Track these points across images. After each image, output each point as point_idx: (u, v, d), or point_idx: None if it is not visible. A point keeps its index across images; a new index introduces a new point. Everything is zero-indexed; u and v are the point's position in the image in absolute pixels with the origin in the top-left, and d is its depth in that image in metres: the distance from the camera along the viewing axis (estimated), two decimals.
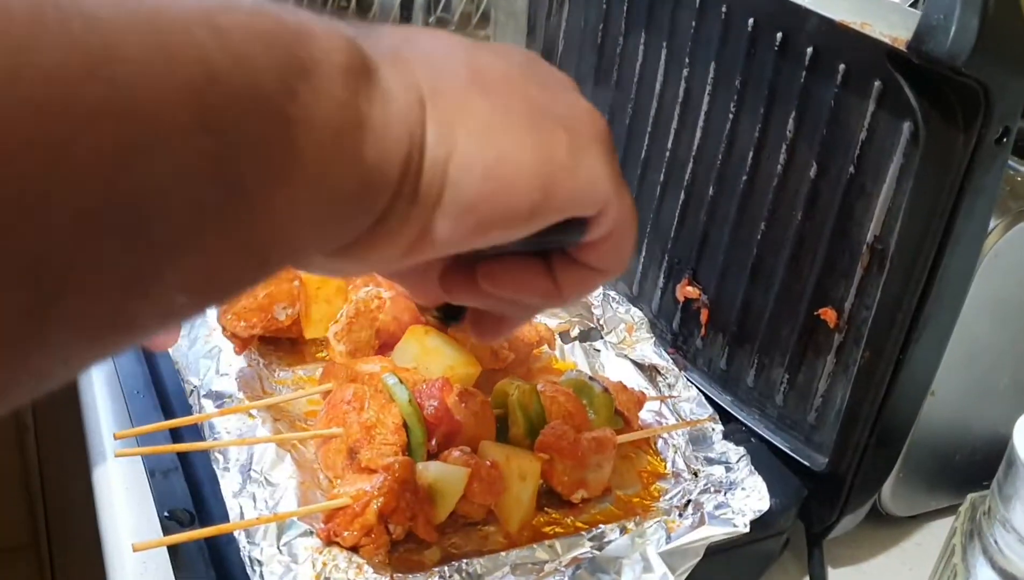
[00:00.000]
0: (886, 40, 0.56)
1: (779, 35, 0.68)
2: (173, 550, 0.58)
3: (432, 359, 0.72)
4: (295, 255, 0.32)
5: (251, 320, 0.72)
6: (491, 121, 0.35)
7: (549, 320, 0.84)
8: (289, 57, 0.28)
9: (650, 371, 0.79)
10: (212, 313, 0.73)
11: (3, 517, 1.55)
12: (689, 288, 0.80)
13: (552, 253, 0.43)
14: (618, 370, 0.80)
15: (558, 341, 0.83)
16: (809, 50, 0.66)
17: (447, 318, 0.50)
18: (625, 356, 0.81)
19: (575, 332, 0.85)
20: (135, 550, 0.54)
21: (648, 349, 0.80)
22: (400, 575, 0.56)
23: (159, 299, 0.26)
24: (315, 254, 0.34)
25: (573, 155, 0.37)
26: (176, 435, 0.65)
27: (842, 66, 0.63)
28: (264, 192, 0.28)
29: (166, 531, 0.59)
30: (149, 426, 0.63)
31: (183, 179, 0.25)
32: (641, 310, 0.83)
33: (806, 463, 0.70)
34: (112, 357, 0.27)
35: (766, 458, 0.70)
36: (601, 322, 0.84)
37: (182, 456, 0.65)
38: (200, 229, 0.26)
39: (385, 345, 0.76)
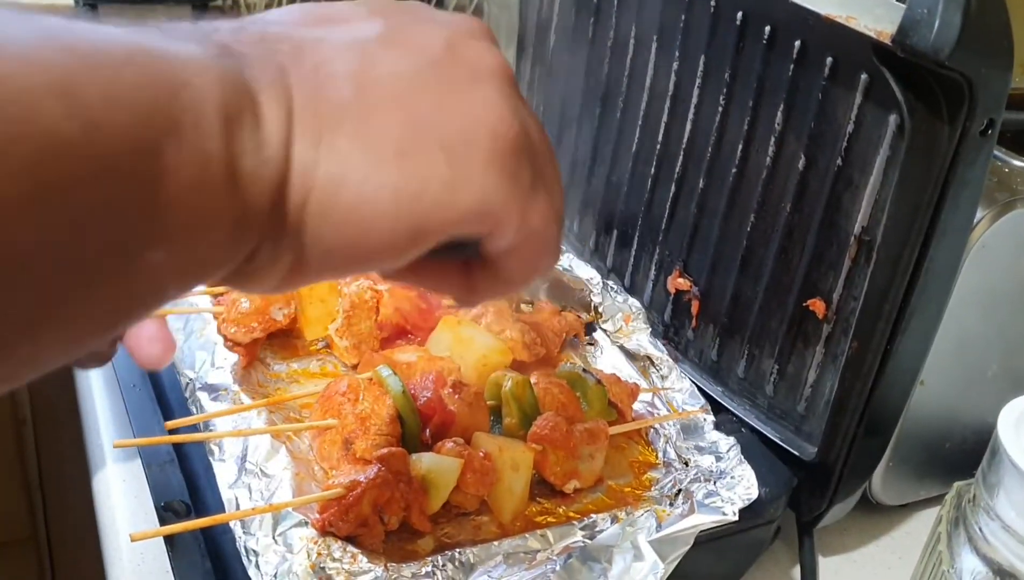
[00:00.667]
0: (871, 34, 0.56)
1: (767, 28, 0.68)
2: (170, 540, 0.59)
3: (466, 348, 0.74)
4: (164, 297, 0.32)
5: (249, 324, 0.72)
6: (355, 160, 0.33)
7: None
8: (154, 113, 0.28)
9: (644, 361, 0.80)
10: (210, 312, 0.74)
11: (2, 512, 1.55)
12: (680, 280, 0.81)
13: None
14: (612, 361, 0.81)
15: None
16: (797, 43, 0.66)
17: None
18: (620, 346, 0.81)
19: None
20: (133, 540, 0.54)
21: (644, 339, 0.81)
22: (394, 564, 0.56)
23: (39, 346, 0.27)
24: (182, 291, 0.33)
25: (450, 183, 0.34)
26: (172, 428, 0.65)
27: (829, 59, 0.64)
28: (124, 252, 0.28)
29: (163, 522, 0.60)
30: (171, 422, 0.63)
31: (19, 253, 0.25)
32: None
33: (796, 452, 0.71)
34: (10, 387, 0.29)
35: (757, 448, 0.71)
36: (599, 311, 0.84)
37: (178, 448, 0.66)
38: (56, 299, 0.26)
39: (390, 337, 0.77)
